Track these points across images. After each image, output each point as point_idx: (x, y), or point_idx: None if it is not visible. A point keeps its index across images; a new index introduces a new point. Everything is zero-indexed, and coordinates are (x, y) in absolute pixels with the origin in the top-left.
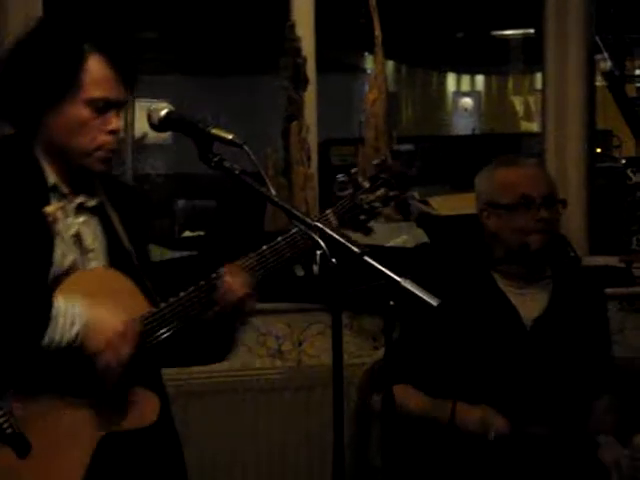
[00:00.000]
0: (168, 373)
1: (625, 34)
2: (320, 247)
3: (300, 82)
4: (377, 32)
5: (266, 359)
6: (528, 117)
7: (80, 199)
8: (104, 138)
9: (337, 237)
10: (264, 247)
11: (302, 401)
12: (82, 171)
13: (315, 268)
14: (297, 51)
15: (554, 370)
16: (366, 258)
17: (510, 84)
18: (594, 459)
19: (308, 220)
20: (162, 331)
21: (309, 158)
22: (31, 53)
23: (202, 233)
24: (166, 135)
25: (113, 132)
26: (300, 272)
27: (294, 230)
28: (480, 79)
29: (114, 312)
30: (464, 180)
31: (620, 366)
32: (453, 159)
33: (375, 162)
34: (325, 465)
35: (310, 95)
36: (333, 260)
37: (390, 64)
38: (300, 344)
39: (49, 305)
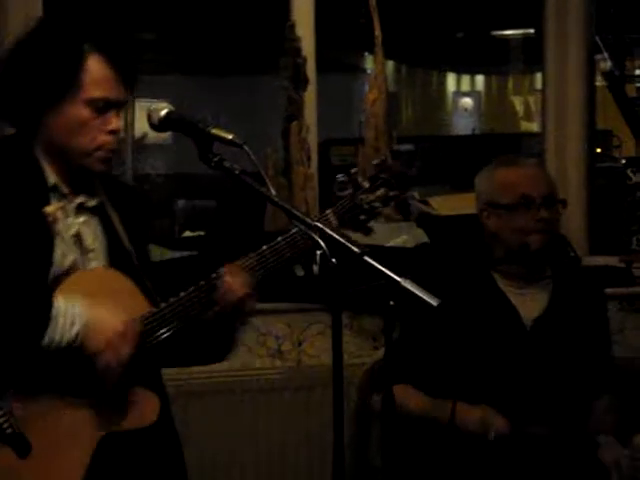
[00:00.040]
0: (168, 373)
1: (625, 34)
2: (320, 247)
3: (300, 82)
4: (377, 32)
5: (266, 359)
6: (528, 117)
7: (80, 199)
8: (104, 138)
9: (337, 237)
10: (264, 247)
11: (302, 401)
12: (82, 171)
13: (315, 268)
14: (297, 51)
15: (554, 370)
16: (366, 258)
17: (510, 84)
18: (594, 459)
19: (308, 220)
20: (162, 331)
21: (309, 158)
22: (31, 53)
23: (202, 233)
24: (166, 135)
25: (113, 132)
26: (300, 272)
27: (294, 230)
28: (480, 79)
29: (114, 312)
30: (464, 180)
31: (620, 366)
32: (453, 159)
33: (375, 162)
34: (325, 465)
35: (310, 95)
36: (333, 260)
37: (390, 64)
38: (300, 344)
39: (49, 305)
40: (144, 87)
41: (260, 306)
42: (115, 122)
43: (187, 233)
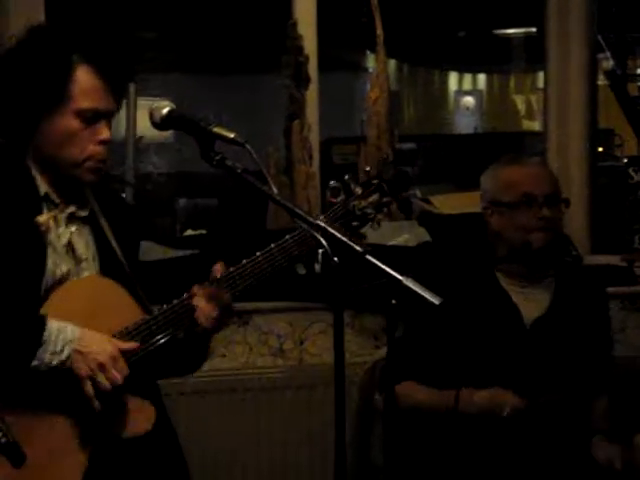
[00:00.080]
0: None
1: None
2: (322, 246)
3: (302, 81)
4: (379, 31)
5: (268, 358)
6: (530, 116)
7: (71, 209)
8: (94, 148)
9: (339, 236)
10: (272, 245)
11: (304, 400)
12: (73, 181)
13: (317, 267)
14: (299, 49)
15: (552, 370)
16: (368, 257)
17: (512, 83)
18: (588, 457)
19: (310, 219)
20: (158, 337)
21: (311, 157)
22: (20, 64)
23: (204, 232)
24: (168, 134)
25: (103, 142)
26: (302, 271)
27: (302, 228)
28: (482, 78)
29: (109, 327)
30: (466, 179)
31: (622, 365)
32: (455, 158)
33: (379, 160)
34: (327, 464)
35: (312, 94)
36: (335, 259)
37: (392, 63)
38: (302, 343)
39: (42, 327)
40: (145, 86)
41: (262, 305)
42: (105, 132)
43: (189, 232)
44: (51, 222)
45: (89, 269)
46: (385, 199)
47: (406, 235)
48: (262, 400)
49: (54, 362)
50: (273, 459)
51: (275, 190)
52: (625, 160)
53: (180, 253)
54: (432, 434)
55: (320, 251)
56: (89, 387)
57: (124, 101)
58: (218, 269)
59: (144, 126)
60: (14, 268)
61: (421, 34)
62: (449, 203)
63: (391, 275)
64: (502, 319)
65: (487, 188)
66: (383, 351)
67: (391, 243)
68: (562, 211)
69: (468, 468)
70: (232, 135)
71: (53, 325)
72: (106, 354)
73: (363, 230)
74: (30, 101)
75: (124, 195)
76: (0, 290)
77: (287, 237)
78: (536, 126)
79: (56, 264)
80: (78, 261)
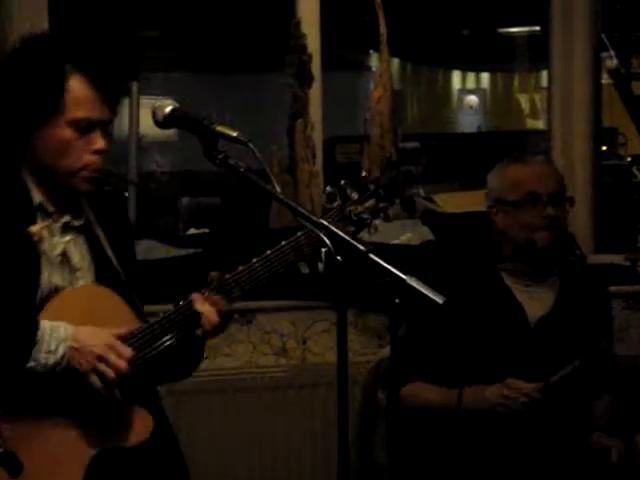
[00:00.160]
0: None
1: (631, 31)
2: (325, 245)
3: (305, 79)
4: (382, 30)
5: (270, 357)
6: (534, 115)
7: (66, 218)
8: (89, 158)
9: (342, 235)
10: (268, 252)
11: (306, 399)
12: (68, 190)
13: (320, 266)
14: (302, 48)
15: (557, 368)
16: (371, 256)
17: (516, 82)
18: (586, 453)
19: (313, 217)
20: (163, 340)
21: (314, 155)
22: (13, 75)
23: (207, 230)
24: (171, 132)
25: (98, 152)
26: (305, 270)
27: (299, 234)
28: (485, 77)
29: (103, 328)
30: (469, 178)
31: (624, 364)
32: (458, 157)
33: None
34: (330, 463)
35: (315, 92)
36: (338, 258)
37: (395, 62)
38: (305, 342)
39: (34, 328)
40: (148, 84)
41: (265, 304)
42: (99, 142)
43: (192, 230)
44: (44, 232)
45: (84, 278)
46: (382, 204)
47: (409, 234)
48: (265, 399)
49: (50, 362)
50: (276, 458)
51: (278, 189)
52: (629, 159)
53: (183, 252)
54: (436, 433)
55: (323, 250)
56: (95, 379)
57: (127, 100)
58: (214, 276)
59: (147, 125)
60: (7, 279)
61: (424, 33)
62: (452, 202)
63: (394, 274)
64: (506, 318)
65: (493, 187)
66: (386, 350)
67: (394, 242)
68: (567, 210)
69: (472, 467)
70: (235, 134)
71: (46, 325)
72: (101, 344)
73: (359, 235)
74: (24, 111)
75: (126, 194)
76: None
77: (283, 243)
78: (540, 125)
79: (51, 274)
80: (73, 270)
